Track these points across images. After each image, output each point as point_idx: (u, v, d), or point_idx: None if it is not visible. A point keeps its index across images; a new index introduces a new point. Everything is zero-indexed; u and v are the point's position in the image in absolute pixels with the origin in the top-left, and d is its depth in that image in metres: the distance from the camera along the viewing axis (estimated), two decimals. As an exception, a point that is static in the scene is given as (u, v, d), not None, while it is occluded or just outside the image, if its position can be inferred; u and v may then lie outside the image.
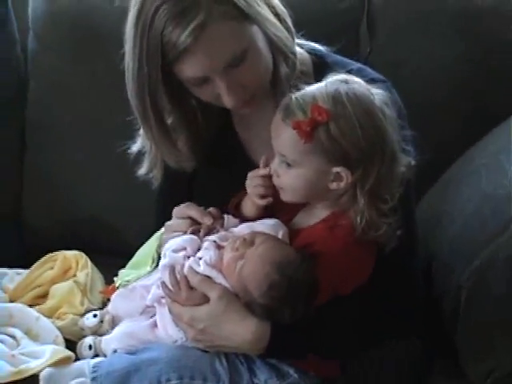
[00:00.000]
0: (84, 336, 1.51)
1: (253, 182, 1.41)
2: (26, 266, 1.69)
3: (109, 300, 1.54)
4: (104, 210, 1.95)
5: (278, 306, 1.31)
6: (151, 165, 1.52)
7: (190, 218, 1.46)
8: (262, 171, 1.40)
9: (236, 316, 1.34)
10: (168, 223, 1.50)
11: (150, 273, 1.50)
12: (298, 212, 1.44)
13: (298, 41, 1.47)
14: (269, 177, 1.39)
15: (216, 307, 1.35)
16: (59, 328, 1.52)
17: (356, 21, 1.89)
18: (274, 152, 1.38)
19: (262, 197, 1.40)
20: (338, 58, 1.51)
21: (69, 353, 1.44)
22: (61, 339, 1.49)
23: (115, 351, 1.45)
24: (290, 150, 1.32)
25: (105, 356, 1.46)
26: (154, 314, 1.45)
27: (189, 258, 1.40)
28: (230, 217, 1.46)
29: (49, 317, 1.55)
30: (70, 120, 1.95)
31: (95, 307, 1.58)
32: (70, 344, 1.50)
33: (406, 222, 1.36)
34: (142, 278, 1.50)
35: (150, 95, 1.36)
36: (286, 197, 1.38)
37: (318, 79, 1.37)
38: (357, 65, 1.49)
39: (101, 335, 1.50)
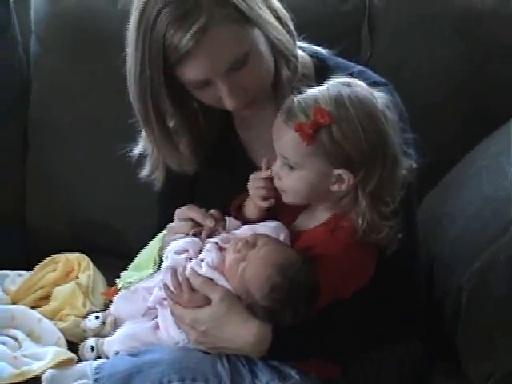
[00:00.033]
0: (86, 338, 1.51)
1: (254, 184, 1.41)
2: (28, 267, 1.69)
3: (111, 302, 1.54)
4: (106, 211, 1.94)
5: (280, 308, 1.31)
6: (153, 167, 1.52)
7: (192, 220, 1.46)
8: (263, 173, 1.40)
9: (238, 318, 1.34)
10: (170, 225, 1.50)
11: (152, 275, 1.50)
12: (300, 214, 1.44)
13: (299, 44, 1.47)
14: (270, 179, 1.38)
15: (218, 309, 1.35)
16: (61, 330, 1.51)
17: (357, 24, 1.89)
18: (275, 154, 1.37)
19: (264, 199, 1.40)
20: (340, 60, 1.51)
21: (71, 355, 1.44)
22: (63, 341, 1.49)
23: (117, 353, 1.45)
24: (292, 153, 1.32)
25: (107, 358, 1.46)
26: (156, 316, 1.45)
27: (191, 260, 1.39)
28: (232, 219, 1.45)
29: (51, 319, 1.55)
30: (72, 121, 1.95)
31: (97, 309, 1.57)
32: (72, 346, 1.50)
33: (407, 224, 1.36)
34: (144, 279, 1.50)
35: (152, 98, 1.36)
36: (287, 199, 1.38)
37: (320, 82, 1.37)
38: (358, 67, 1.49)
39: (103, 337, 1.50)
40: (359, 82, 1.34)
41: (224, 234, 1.43)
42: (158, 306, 1.44)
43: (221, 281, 1.36)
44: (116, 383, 1.36)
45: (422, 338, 1.51)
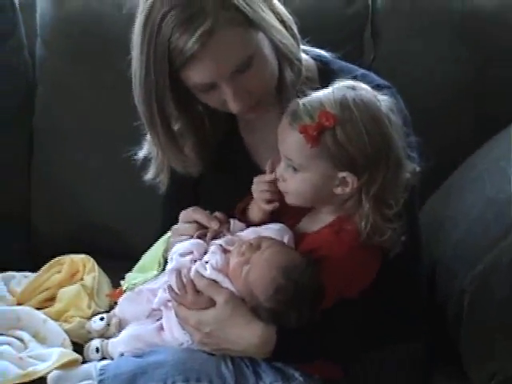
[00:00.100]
0: (91, 339, 1.50)
1: (259, 187, 1.41)
2: (34, 269, 1.69)
3: (116, 303, 1.54)
4: (111, 214, 1.94)
5: (284, 310, 1.31)
6: (158, 170, 1.52)
7: (197, 222, 1.46)
8: (268, 177, 1.39)
9: (242, 320, 1.34)
10: (175, 227, 1.50)
11: (156, 276, 1.49)
12: (304, 217, 1.43)
13: (303, 47, 1.47)
14: (275, 182, 1.38)
15: (222, 311, 1.34)
16: (66, 331, 1.51)
17: (360, 28, 1.89)
18: (279, 157, 1.37)
19: (268, 202, 1.40)
20: (343, 64, 1.51)
21: (76, 355, 1.44)
22: (68, 342, 1.49)
23: (122, 354, 1.45)
24: (297, 155, 1.32)
25: (112, 359, 1.45)
26: (161, 318, 1.45)
27: (195, 261, 1.39)
28: (236, 221, 1.45)
29: (56, 320, 1.54)
30: (77, 124, 1.95)
31: (102, 310, 1.57)
32: (77, 347, 1.49)
33: (410, 227, 1.36)
34: (149, 281, 1.50)
35: (157, 102, 1.36)
36: (291, 200, 1.37)
37: (323, 85, 1.37)
38: (361, 71, 1.49)
39: (108, 338, 1.49)
40: (364, 86, 1.34)
41: (228, 236, 1.42)
42: (162, 308, 1.44)
43: (225, 283, 1.36)
44: (121, 384, 1.36)
45: (423, 340, 1.50)
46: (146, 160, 1.53)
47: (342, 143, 1.28)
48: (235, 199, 1.46)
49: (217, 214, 1.46)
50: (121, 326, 1.50)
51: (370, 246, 1.34)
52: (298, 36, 1.43)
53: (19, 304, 1.60)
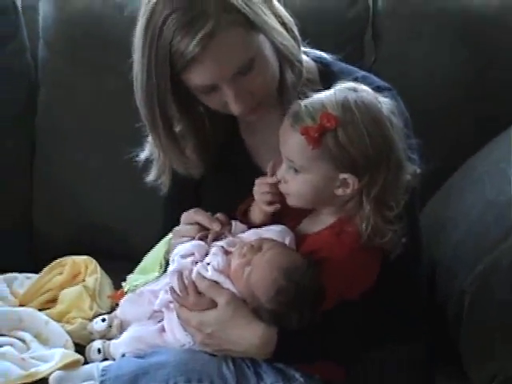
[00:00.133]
0: (93, 340, 1.50)
1: (260, 189, 1.41)
2: (36, 270, 1.69)
3: (117, 305, 1.53)
4: (113, 215, 1.94)
5: (286, 311, 1.31)
6: (159, 171, 1.51)
7: (198, 223, 1.46)
8: (269, 179, 1.39)
9: (243, 321, 1.34)
10: (176, 228, 1.50)
11: (157, 278, 1.49)
12: (305, 218, 1.43)
13: (304, 49, 1.47)
14: (276, 184, 1.38)
15: (224, 312, 1.34)
16: (68, 332, 1.51)
17: (361, 30, 1.89)
18: (280, 158, 1.37)
19: (269, 204, 1.40)
20: (344, 65, 1.51)
21: (78, 356, 1.43)
22: (70, 343, 1.48)
23: (123, 355, 1.44)
24: (298, 156, 1.32)
25: (113, 360, 1.45)
26: (162, 319, 1.44)
27: (197, 263, 1.39)
28: (238, 223, 1.45)
29: (58, 321, 1.54)
30: (79, 126, 1.95)
31: (104, 312, 1.57)
32: (79, 348, 1.49)
33: (410, 228, 1.36)
34: (150, 283, 1.49)
35: (159, 104, 1.35)
36: (292, 202, 1.37)
37: (324, 87, 1.37)
38: (362, 72, 1.48)
39: (109, 339, 1.49)
40: (365, 88, 1.33)
41: (230, 238, 1.42)
42: (164, 309, 1.44)
43: (226, 284, 1.35)
44: (123, 385, 1.35)
45: (423, 340, 1.50)
46: (148, 161, 1.52)
47: (344, 145, 1.28)
48: (236, 201, 1.46)
49: (218, 215, 1.46)
50: (122, 328, 1.50)
51: (371, 247, 1.34)
52: (299, 38, 1.43)
53: (21, 305, 1.60)
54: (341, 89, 1.32)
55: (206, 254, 1.40)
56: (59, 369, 1.39)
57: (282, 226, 1.41)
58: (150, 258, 1.56)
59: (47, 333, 1.50)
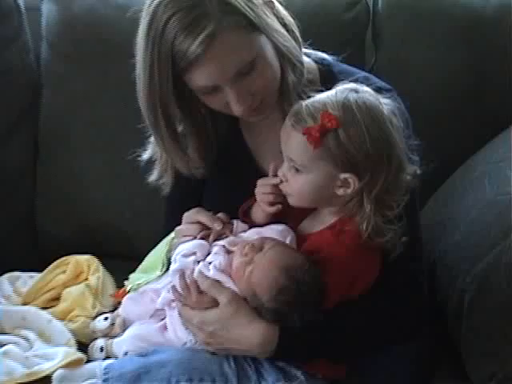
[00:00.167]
0: (95, 338, 1.50)
1: (262, 189, 1.41)
2: (39, 269, 1.68)
3: (120, 303, 1.53)
4: (115, 215, 1.93)
5: (287, 309, 1.31)
6: (161, 171, 1.51)
7: (200, 223, 1.46)
8: (272, 180, 1.39)
9: (245, 320, 1.33)
10: (178, 228, 1.50)
11: (159, 277, 1.49)
12: (306, 218, 1.43)
13: (305, 50, 1.47)
14: (278, 184, 1.38)
15: (225, 311, 1.34)
16: (71, 330, 1.51)
17: (361, 31, 1.88)
18: (281, 158, 1.37)
19: (271, 204, 1.40)
20: (345, 66, 1.51)
21: (80, 355, 1.43)
22: (73, 341, 1.48)
23: (126, 353, 1.44)
24: (299, 155, 1.32)
25: (116, 358, 1.45)
26: (164, 317, 1.45)
27: (199, 262, 1.39)
28: (239, 222, 1.45)
29: (61, 319, 1.54)
30: (82, 127, 1.94)
31: (106, 310, 1.56)
32: (82, 346, 1.49)
33: (410, 228, 1.36)
34: (153, 281, 1.49)
35: (161, 104, 1.35)
36: (293, 202, 1.37)
37: (325, 87, 1.37)
38: (363, 73, 1.48)
39: (112, 338, 1.49)
40: (366, 89, 1.33)
41: (231, 237, 1.42)
42: (166, 308, 1.44)
43: (228, 283, 1.35)
44: (125, 383, 1.35)
45: (424, 339, 1.49)
46: (150, 162, 1.52)
47: (345, 145, 1.28)
48: (238, 201, 1.46)
49: (220, 215, 1.46)
50: (125, 326, 1.49)
51: (371, 247, 1.34)
52: (300, 39, 1.43)
53: (25, 304, 1.60)
54: (342, 89, 1.32)
55: (208, 254, 1.41)
56: (62, 367, 1.39)
57: (283, 226, 1.41)
58: (152, 257, 1.56)
59: (50, 331, 1.50)
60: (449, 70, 1.84)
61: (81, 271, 1.65)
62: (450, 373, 1.52)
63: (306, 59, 1.46)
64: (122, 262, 1.68)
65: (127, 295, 1.52)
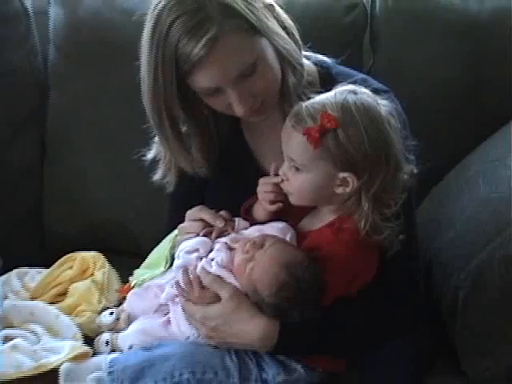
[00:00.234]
0: (101, 332, 1.49)
1: (263, 188, 1.41)
2: (46, 265, 1.68)
3: (125, 298, 1.53)
4: (120, 213, 1.93)
5: (287, 305, 1.31)
6: (165, 170, 1.51)
7: (203, 220, 1.46)
8: (273, 179, 1.39)
9: (246, 314, 1.33)
10: (181, 225, 1.50)
11: (163, 273, 1.49)
12: (305, 216, 1.43)
13: (304, 53, 1.46)
14: (279, 183, 1.38)
15: (227, 306, 1.34)
16: (78, 325, 1.50)
17: (359, 34, 1.88)
18: (282, 158, 1.37)
19: (272, 203, 1.40)
20: (343, 68, 1.51)
21: (87, 348, 1.43)
22: (79, 336, 1.48)
23: (131, 347, 1.44)
24: (300, 155, 1.32)
25: (121, 351, 1.45)
26: (168, 312, 1.44)
27: (201, 259, 1.39)
28: (241, 220, 1.45)
29: (68, 314, 1.54)
30: (88, 128, 1.94)
31: (112, 305, 1.56)
32: (88, 340, 1.49)
33: (407, 226, 1.36)
34: (156, 277, 1.49)
35: (165, 106, 1.35)
36: (294, 201, 1.37)
37: (325, 89, 1.37)
38: (361, 75, 1.48)
39: (117, 332, 1.48)
40: (364, 90, 1.34)
41: (233, 234, 1.42)
42: (169, 303, 1.44)
43: (230, 279, 1.35)
44: (129, 376, 1.35)
45: (420, 335, 1.49)
46: (155, 161, 1.52)
47: (343, 145, 1.28)
48: (239, 199, 1.46)
49: (222, 212, 1.46)
50: (129, 320, 1.49)
51: (369, 244, 1.34)
52: (300, 42, 1.43)
53: (33, 298, 1.60)
54: (341, 91, 1.33)
55: (210, 250, 1.41)
56: (69, 360, 1.39)
57: (284, 223, 1.41)
58: (156, 253, 1.56)
59: (58, 326, 1.49)
60: (445, 71, 1.83)
61: (87, 267, 1.65)
62: (445, 367, 1.51)
63: (305, 61, 1.46)
64: (126, 258, 1.68)
65: (132, 290, 1.51)
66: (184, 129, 1.44)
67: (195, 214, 1.47)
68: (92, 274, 1.64)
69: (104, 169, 1.93)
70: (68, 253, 1.67)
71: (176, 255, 1.43)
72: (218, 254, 1.38)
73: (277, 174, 1.38)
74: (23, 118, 1.95)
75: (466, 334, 1.46)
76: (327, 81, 1.44)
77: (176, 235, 1.51)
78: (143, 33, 1.35)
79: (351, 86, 1.34)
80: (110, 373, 1.36)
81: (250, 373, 1.36)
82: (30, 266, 1.70)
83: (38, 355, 1.40)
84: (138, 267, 1.56)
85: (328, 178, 1.32)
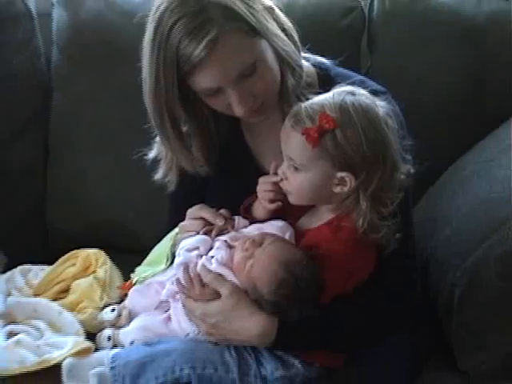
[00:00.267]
0: (103, 328, 1.49)
1: (263, 187, 1.41)
2: (50, 262, 1.68)
3: (126, 295, 1.53)
4: (122, 211, 1.93)
5: (285, 302, 1.31)
6: (167, 170, 1.51)
7: (203, 218, 1.46)
8: (273, 178, 1.39)
9: (245, 311, 1.33)
10: (182, 224, 1.50)
11: (164, 270, 1.49)
12: (304, 214, 1.43)
13: (303, 54, 1.47)
14: (278, 182, 1.38)
15: (227, 303, 1.34)
16: (80, 321, 1.50)
17: (357, 37, 1.88)
18: (281, 158, 1.37)
19: (271, 201, 1.40)
20: (342, 70, 1.51)
21: (89, 344, 1.43)
22: (82, 331, 1.48)
23: (132, 343, 1.44)
24: (299, 155, 1.32)
25: (122, 347, 1.45)
26: (169, 309, 1.45)
27: (201, 256, 1.39)
28: (241, 218, 1.45)
29: (70, 310, 1.53)
30: (90, 128, 1.94)
31: (114, 302, 1.56)
32: (90, 336, 1.48)
33: (404, 225, 1.36)
34: (157, 274, 1.49)
35: (167, 106, 1.35)
36: (293, 200, 1.38)
37: (323, 90, 1.37)
38: (359, 77, 1.48)
39: (119, 328, 1.48)
40: (362, 91, 1.34)
41: (233, 233, 1.42)
42: (170, 300, 1.44)
43: (230, 276, 1.36)
44: (131, 371, 1.35)
45: (417, 331, 1.49)
46: (156, 161, 1.52)
47: (342, 145, 1.29)
48: (238, 198, 1.46)
49: (222, 211, 1.46)
50: (131, 317, 1.49)
51: (367, 243, 1.34)
52: (299, 44, 1.43)
53: (36, 295, 1.60)
54: (339, 92, 1.33)
55: (211, 248, 1.41)
56: (71, 355, 1.39)
57: (283, 222, 1.41)
58: (157, 251, 1.56)
59: (61, 322, 1.49)
60: (443, 73, 1.82)
61: (89, 264, 1.65)
62: (441, 363, 1.51)
63: (304, 63, 1.46)
64: (128, 255, 1.68)
65: (133, 287, 1.52)
66: (185, 129, 1.44)
67: (196, 212, 1.48)
68: (94, 272, 1.64)
69: (105, 168, 1.93)
70: (71, 250, 1.68)
71: (177, 253, 1.43)
72: (218, 251, 1.38)
73: (276, 173, 1.38)
74: (26, 119, 1.95)
75: (462, 332, 1.46)
76: (326, 82, 1.44)
77: (177, 233, 1.51)
78: (145, 35, 1.34)
79: (349, 88, 1.34)
80: (111, 368, 1.36)
81: (249, 368, 1.36)
82: (34, 262, 1.70)
83: (41, 350, 1.40)
84: (139, 265, 1.57)
85: (326, 178, 1.32)
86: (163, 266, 1.49)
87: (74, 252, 1.67)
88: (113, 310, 1.51)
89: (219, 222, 1.43)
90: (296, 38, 1.42)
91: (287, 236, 1.38)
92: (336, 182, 1.32)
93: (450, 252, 1.49)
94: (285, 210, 1.41)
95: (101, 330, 1.49)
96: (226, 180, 1.54)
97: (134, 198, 1.92)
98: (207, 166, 1.49)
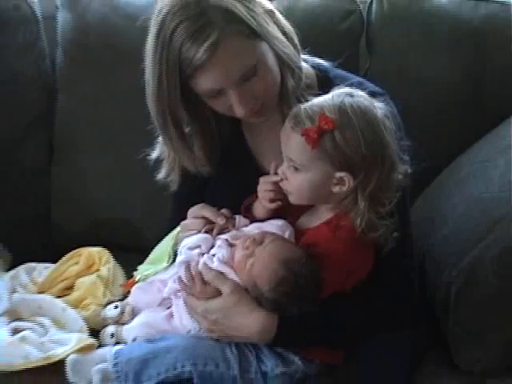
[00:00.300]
0: (106, 325, 1.49)
1: (263, 187, 1.41)
2: (54, 261, 1.68)
3: (129, 292, 1.53)
4: (124, 211, 1.92)
5: (285, 300, 1.31)
6: (169, 170, 1.51)
7: (204, 217, 1.46)
8: (273, 178, 1.39)
9: (246, 309, 1.34)
10: (184, 222, 1.50)
11: (166, 268, 1.49)
12: (304, 213, 1.43)
13: (303, 56, 1.47)
14: (278, 182, 1.38)
15: (227, 300, 1.34)
16: (84, 318, 1.50)
17: (355, 40, 1.87)
18: (281, 158, 1.37)
19: (272, 201, 1.40)
20: (340, 72, 1.51)
21: (92, 340, 1.43)
22: (85, 328, 1.48)
23: (135, 339, 1.44)
24: (298, 155, 1.32)
25: (125, 344, 1.45)
26: (171, 306, 1.45)
27: (203, 255, 1.39)
28: (241, 217, 1.45)
29: (74, 307, 1.54)
30: (94, 129, 1.93)
31: (117, 299, 1.56)
32: (94, 332, 1.49)
33: (401, 224, 1.36)
34: (160, 272, 1.49)
35: (169, 108, 1.35)
36: (293, 200, 1.38)
37: (322, 91, 1.37)
38: (357, 78, 1.48)
39: (122, 325, 1.49)
40: (361, 93, 1.34)
41: (234, 231, 1.42)
42: (172, 297, 1.44)
43: (231, 274, 1.36)
44: (133, 367, 1.35)
45: (415, 329, 1.48)
46: (159, 161, 1.52)
47: (340, 146, 1.29)
48: (240, 197, 1.46)
49: (223, 210, 1.46)
50: (134, 314, 1.49)
51: (365, 242, 1.34)
52: (299, 46, 1.43)
53: (40, 292, 1.60)
54: (338, 93, 1.33)
55: (212, 247, 1.41)
56: (75, 352, 1.39)
57: (283, 221, 1.41)
58: (159, 249, 1.56)
59: (65, 319, 1.49)
60: (441, 75, 1.82)
61: (93, 262, 1.65)
62: (438, 359, 1.51)
63: (304, 65, 1.46)
64: (131, 254, 1.68)
65: (136, 285, 1.52)
66: (187, 129, 1.44)
67: (197, 211, 1.48)
68: (98, 269, 1.64)
69: (109, 169, 1.93)
70: (74, 248, 1.68)
71: (178, 251, 1.43)
72: (219, 250, 1.38)
73: (276, 173, 1.39)
74: (31, 121, 1.95)
75: (458, 331, 1.46)
76: (325, 83, 1.45)
77: (178, 232, 1.51)
78: (148, 37, 1.35)
79: (348, 89, 1.34)
80: (114, 364, 1.36)
81: (249, 365, 1.36)
82: (38, 260, 1.70)
83: (45, 347, 1.40)
84: (141, 263, 1.57)
85: (325, 178, 1.32)
86: (165, 264, 1.49)
87: (77, 250, 1.67)
88: (116, 307, 1.51)
89: (220, 221, 1.43)
90: (296, 40, 1.42)
91: (287, 235, 1.38)
92: (335, 181, 1.32)
93: (447, 251, 1.49)
94: (285, 210, 1.42)
95: (104, 326, 1.49)
96: (226, 180, 1.54)
97: (136, 198, 1.92)
98: (209, 165, 1.49)
